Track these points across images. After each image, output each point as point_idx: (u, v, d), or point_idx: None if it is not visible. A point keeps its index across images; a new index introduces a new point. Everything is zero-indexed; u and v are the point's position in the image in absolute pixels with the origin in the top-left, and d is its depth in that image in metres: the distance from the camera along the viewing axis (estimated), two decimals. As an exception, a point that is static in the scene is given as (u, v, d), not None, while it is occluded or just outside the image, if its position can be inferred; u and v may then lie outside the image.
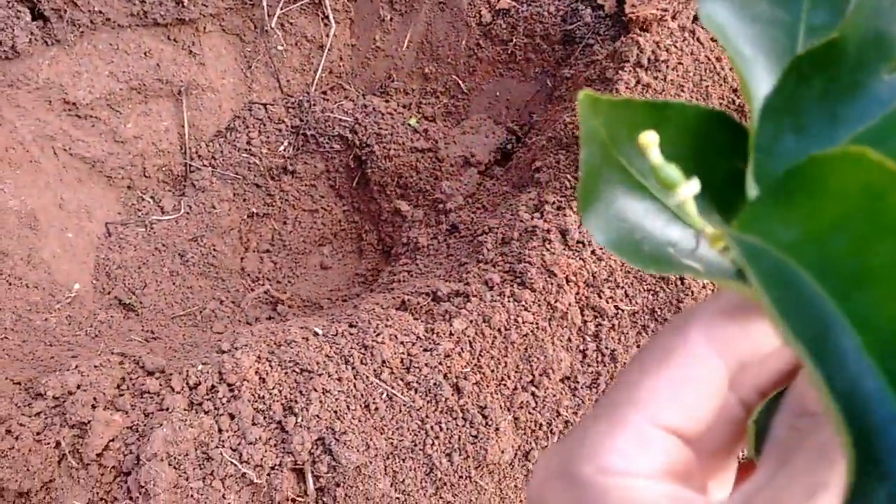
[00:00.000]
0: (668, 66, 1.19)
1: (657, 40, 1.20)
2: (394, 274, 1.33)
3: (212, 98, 1.46)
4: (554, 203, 1.16)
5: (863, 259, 0.16)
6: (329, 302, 1.45)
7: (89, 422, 0.76)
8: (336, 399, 0.80)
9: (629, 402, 0.21)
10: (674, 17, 1.22)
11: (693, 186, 0.21)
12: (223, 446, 0.75)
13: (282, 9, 1.45)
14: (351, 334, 0.89)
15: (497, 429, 0.90)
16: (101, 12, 1.29)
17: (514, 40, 1.44)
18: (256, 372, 0.79)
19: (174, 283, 1.33)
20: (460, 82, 1.52)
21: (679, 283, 1.06)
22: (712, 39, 1.26)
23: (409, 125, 1.51)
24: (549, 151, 1.24)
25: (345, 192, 1.57)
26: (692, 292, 1.06)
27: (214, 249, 1.41)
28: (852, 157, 0.17)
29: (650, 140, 0.22)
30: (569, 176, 1.18)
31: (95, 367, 0.82)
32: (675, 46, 1.20)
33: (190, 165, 1.44)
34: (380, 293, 1.23)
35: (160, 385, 0.79)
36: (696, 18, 1.27)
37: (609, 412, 0.21)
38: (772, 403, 0.25)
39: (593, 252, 1.08)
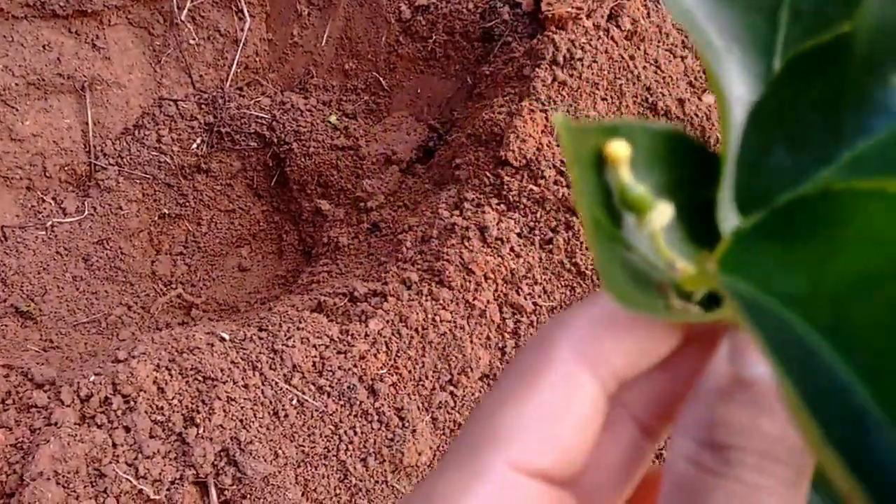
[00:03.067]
0: (583, 64, 1.20)
1: (572, 38, 1.20)
2: (313, 275, 1.30)
3: (118, 94, 1.39)
4: (473, 200, 1.15)
5: None
6: (247, 305, 1.40)
7: (-31, 441, 0.71)
8: (241, 407, 0.76)
9: (486, 442, 0.17)
10: (588, 16, 1.24)
11: (665, 211, 0.18)
12: (117, 461, 0.70)
13: (192, 1, 1.39)
14: (260, 339, 0.85)
15: (414, 430, 0.88)
16: (-9, 1, 1.21)
17: (434, 37, 1.42)
18: (154, 381, 0.75)
19: (77, 289, 1.26)
20: (381, 79, 1.49)
21: (595, 277, 1.07)
22: (626, 38, 1.28)
23: (329, 122, 1.48)
24: (468, 149, 1.23)
25: (263, 191, 1.53)
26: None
27: (122, 252, 1.34)
28: (888, 196, 0.13)
29: (620, 152, 0.18)
30: (487, 173, 1.17)
31: (-22, 381, 0.76)
32: (590, 45, 1.21)
33: (95, 165, 1.36)
34: (297, 295, 1.20)
35: (49, 398, 0.74)
36: (610, 17, 1.28)
37: (462, 457, 0.17)
38: None
39: (511, 249, 1.07)
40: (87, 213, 1.32)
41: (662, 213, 0.18)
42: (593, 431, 0.18)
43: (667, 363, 0.19)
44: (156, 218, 1.43)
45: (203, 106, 1.46)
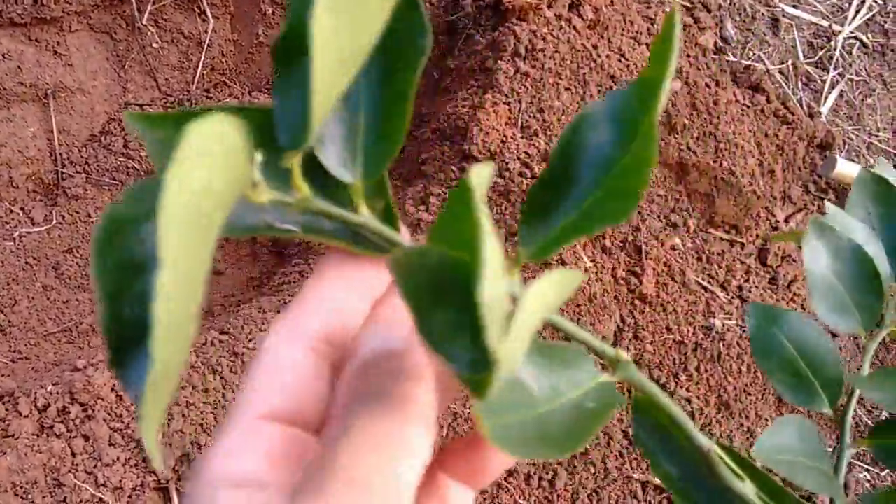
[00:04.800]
0: (545, 55, 1.20)
1: (533, 29, 1.20)
2: (286, 275, 1.30)
3: (83, 101, 1.38)
4: (439, 195, 1.15)
5: None
6: (222, 308, 1.40)
7: (-72, 456, 0.70)
8: (201, 412, 0.77)
9: (234, 406, 0.22)
10: (550, 6, 1.23)
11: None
12: (76, 470, 0.70)
13: (154, 4, 1.39)
14: (221, 342, 0.85)
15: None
16: (-53, 12, 1.20)
17: (399, 32, 1.42)
18: (112, 389, 0.75)
19: (48, 299, 1.26)
20: (348, 76, 1.49)
21: (560, 265, 1.07)
22: (588, 27, 1.28)
23: (298, 122, 1.47)
24: (433, 143, 1.23)
25: (235, 193, 1.52)
26: (575, 277, 1.07)
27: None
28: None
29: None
30: (453, 167, 1.17)
31: (-63, 395, 0.76)
32: (552, 35, 1.21)
33: (62, 173, 1.36)
34: (268, 296, 1.20)
35: (6, 410, 0.74)
36: (572, 6, 1.28)
37: (222, 424, 0.23)
38: None
39: (477, 243, 1.08)
40: (55, 221, 1.32)
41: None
42: (305, 379, 0.23)
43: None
44: (126, 224, 1.43)
45: (170, 109, 1.45)
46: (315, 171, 0.25)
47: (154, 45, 1.41)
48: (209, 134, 0.17)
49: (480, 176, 0.19)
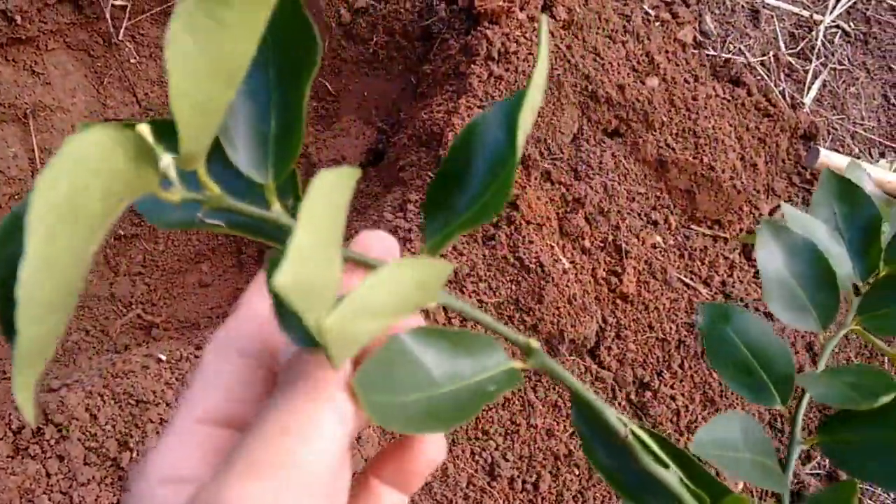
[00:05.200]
0: (518, 58, 1.20)
1: (506, 32, 1.20)
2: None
3: (63, 118, 1.38)
4: (417, 201, 1.15)
5: None
6: (209, 321, 1.40)
7: None
8: (176, 427, 0.77)
9: (177, 408, 0.24)
10: (522, 8, 1.24)
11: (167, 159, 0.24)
12: (52, 491, 0.71)
13: (130, 20, 1.39)
14: (196, 356, 0.86)
15: (358, 438, 0.89)
16: (-78, 36, 1.21)
17: (376, 39, 1.42)
18: (87, 409, 0.75)
19: (33, 317, 1.26)
20: (327, 84, 1.49)
21: (539, 270, 1.07)
22: (562, 27, 1.28)
23: (278, 132, 1.47)
24: (410, 149, 1.24)
25: (219, 205, 1.52)
26: (552, 278, 1.07)
27: (78, 277, 1.34)
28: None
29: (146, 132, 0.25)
30: (429, 173, 1.17)
31: (-85, 420, 0.76)
32: (525, 37, 1.22)
33: (44, 191, 1.36)
34: (250, 308, 1.20)
35: (-19, 433, 0.74)
36: (544, 7, 1.28)
37: (164, 428, 0.24)
38: None
39: (454, 248, 1.08)
40: (38, 240, 1.32)
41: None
42: (238, 384, 0.25)
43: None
44: (111, 240, 1.43)
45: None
46: (236, 173, 0.28)
47: (132, 60, 1.42)
48: (85, 142, 0.19)
49: (323, 180, 0.20)
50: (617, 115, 1.31)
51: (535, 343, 0.33)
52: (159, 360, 0.85)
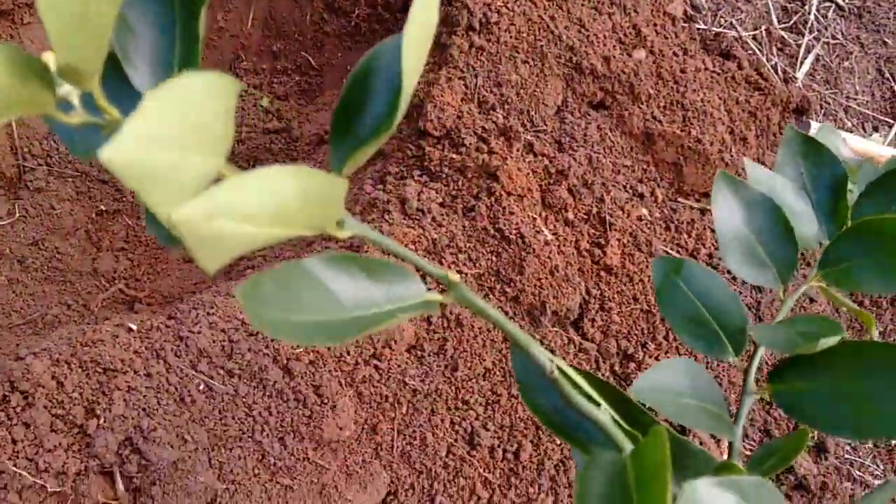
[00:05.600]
0: (500, 28, 1.18)
1: (488, 2, 1.18)
2: (250, 259, 1.29)
3: (42, 92, 1.37)
4: (397, 174, 1.14)
5: None
6: (192, 296, 1.39)
7: None
8: (144, 396, 0.76)
9: None
10: (504, -23, 1.21)
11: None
12: (17, 457, 0.70)
13: (109, -8, 1.37)
14: (167, 327, 0.85)
15: (334, 406, 0.88)
16: None
17: (357, 11, 1.40)
18: (53, 376, 0.74)
19: (14, 292, 1.25)
20: (310, 58, 1.47)
21: (520, 241, 1.06)
22: (546, -3, 1.26)
23: (261, 106, 1.46)
24: (392, 121, 1.22)
25: (203, 181, 1.51)
26: (533, 249, 1.06)
27: (59, 252, 1.33)
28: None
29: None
30: (410, 145, 1.16)
31: None
32: (507, 7, 1.20)
33: (23, 166, 1.35)
34: (230, 280, 1.19)
35: (-53, 401, 0.73)
36: (528, -24, 1.26)
37: None
38: None
39: (433, 219, 1.06)
40: (18, 215, 1.31)
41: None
42: None
43: None
44: (93, 215, 1.42)
45: (132, 99, 1.44)
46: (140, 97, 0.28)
47: (112, 33, 1.40)
48: None
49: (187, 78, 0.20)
50: (602, 88, 1.29)
51: (454, 276, 0.32)
52: (129, 330, 0.84)
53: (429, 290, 0.31)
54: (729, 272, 1.30)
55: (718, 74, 1.50)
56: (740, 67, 1.55)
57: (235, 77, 1.52)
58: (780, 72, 1.67)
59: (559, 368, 0.36)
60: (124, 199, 1.45)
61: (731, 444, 0.44)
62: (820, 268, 0.53)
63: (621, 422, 0.33)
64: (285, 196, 0.21)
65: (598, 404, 0.36)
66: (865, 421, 0.39)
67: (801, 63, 1.72)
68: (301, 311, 0.25)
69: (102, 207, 1.43)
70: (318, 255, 0.28)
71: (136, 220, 1.47)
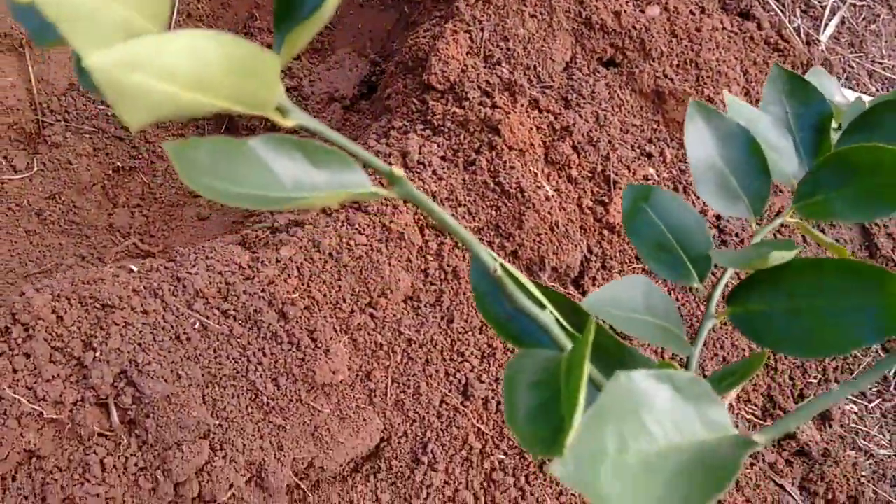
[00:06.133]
0: (507, -20, 1.17)
1: (495, -46, 1.17)
2: (257, 214, 1.31)
3: (60, 50, 1.39)
4: (401, 128, 1.14)
5: None
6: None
7: None
8: (140, 332, 0.79)
9: None
10: (513, -70, 1.20)
11: None
12: (17, 386, 0.73)
13: (124, -50, 1.38)
14: (166, 269, 0.87)
15: (327, 350, 0.90)
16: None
17: (368, -32, 1.40)
18: (53, 311, 0.77)
19: (31, 243, 1.29)
20: (322, 17, 1.47)
21: (520, 195, 1.06)
22: (555, -49, 1.24)
23: (273, 65, 1.47)
24: (397, 77, 1.22)
25: (213, 132, 1.53)
26: (533, 204, 1.06)
27: (75, 206, 1.36)
28: None
29: None
30: (414, 99, 1.16)
31: None
32: (515, -41, 1.18)
33: (42, 122, 1.38)
34: (236, 233, 1.21)
35: (-48, 331, 0.77)
36: (538, -70, 1.24)
37: None
38: None
39: (434, 172, 1.07)
40: (36, 168, 1.35)
41: None
42: None
43: None
44: (109, 171, 1.45)
45: (147, 57, 1.46)
46: None
47: (127, -9, 1.42)
48: None
49: None
50: (613, 44, 1.27)
51: (398, 171, 0.33)
52: (130, 271, 0.87)
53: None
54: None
55: (736, 34, 1.46)
56: (760, 28, 1.51)
57: (249, 36, 1.53)
58: (802, 34, 1.63)
59: (503, 267, 0.36)
60: (140, 156, 1.48)
61: (687, 360, 0.44)
62: (795, 201, 0.52)
63: (565, 323, 0.33)
64: (208, 60, 0.22)
65: (544, 307, 0.36)
66: (818, 338, 0.39)
67: (826, 25, 1.67)
68: (237, 183, 0.26)
69: (119, 164, 1.46)
70: (261, 136, 0.28)
71: (153, 177, 1.49)
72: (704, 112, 0.52)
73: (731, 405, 1.20)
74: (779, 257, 0.39)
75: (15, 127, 1.37)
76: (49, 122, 1.39)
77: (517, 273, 0.37)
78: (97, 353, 0.76)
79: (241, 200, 0.27)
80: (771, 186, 0.51)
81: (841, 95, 0.69)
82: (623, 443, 0.29)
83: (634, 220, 0.49)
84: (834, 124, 0.62)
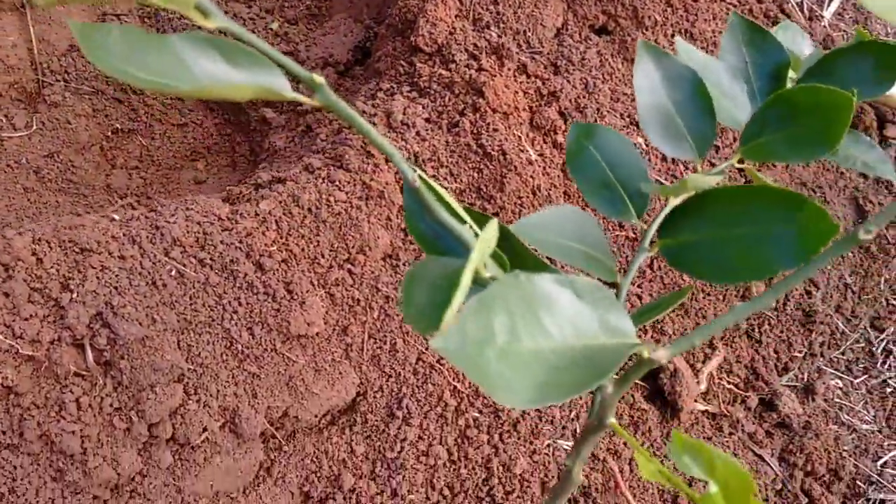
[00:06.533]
0: (497, -56, 1.16)
1: (486, -83, 1.17)
2: (252, 177, 1.33)
3: (61, 11, 1.41)
4: (387, 90, 1.15)
5: None
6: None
7: None
8: (116, 275, 0.81)
9: None
10: None
11: None
12: (-5, 323, 0.76)
13: (123, -88, 1.40)
14: (146, 218, 0.89)
15: (303, 302, 0.91)
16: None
17: (365, -67, 1.40)
18: (33, 253, 0.79)
19: (29, 200, 1.32)
20: (319, -17, 1.48)
21: (501, 158, 1.07)
22: (548, -84, 1.23)
23: (271, 29, 1.48)
24: (387, 40, 1.23)
25: (214, 104, 1.55)
26: (515, 167, 1.07)
27: (73, 165, 1.39)
28: None
29: None
30: (402, 62, 1.17)
31: None
32: (506, -77, 1.18)
33: (42, 81, 1.41)
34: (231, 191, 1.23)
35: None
36: None
37: None
38: None
39: (417, 133, 1.08)
40: (35, 127, 1.37)
41: None
42: None
43: None
44: (108, 133, 1.48)
45: (146, 20, 1.48)
46: None
47: (127, -46, 1.43)
48: None
49: None
50: (605, 11, 1.27)
51: (319, 78, 0.33)
52: (112, 220, 0.89)
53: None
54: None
55: (735, 7, 1.45)
56: (760, 1, 1.50)
57: (248, 0, 1.54)
58: (805, 9, 1.60)
59: (421, 178, 0.37)
60: (139, 119, 1.50)
61: (616, 292, 0.45)
62: (742, 143, 0.53)
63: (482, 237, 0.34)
64: None
65: (464, 222, 0.37)
66: (741, 264, 0.40)
67: (831, 1, 1.65)
68: (148, 72, 0.27)
69: (118, 126, 1.48)
70: (182, 33, 0.29)
71: (151, 139, 1.52)
72: (654, 53, 0.52)
73: (711, 374, 1.21)
74: (700, 182, 0.40)
75: (15, 86, 1.40)
76: (49, 81, 1.41)
77: (438, 188, 0.38)
78: (74, 295, 0.78)
79: (148, 85, 0.28)
80: (716, 128, 0.52)
81: (809, 46, 0.69)
82: (515, 335, 0.30)
83: (578, 158, 0.49)
84: (794, 74, 0.62)
